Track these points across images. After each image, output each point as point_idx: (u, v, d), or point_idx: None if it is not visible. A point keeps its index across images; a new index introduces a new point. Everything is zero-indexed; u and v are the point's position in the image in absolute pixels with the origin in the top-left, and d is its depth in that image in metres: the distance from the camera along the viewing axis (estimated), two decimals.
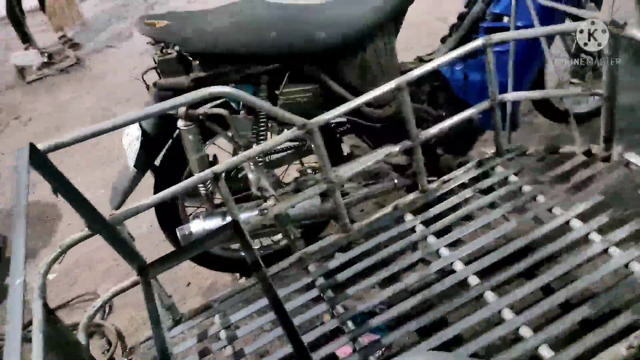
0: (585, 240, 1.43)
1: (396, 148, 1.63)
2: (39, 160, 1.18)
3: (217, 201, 1.85)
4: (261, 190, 1.65)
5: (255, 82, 1.69)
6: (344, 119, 1.93)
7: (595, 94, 1.52)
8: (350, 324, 1.41)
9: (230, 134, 1.69)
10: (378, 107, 1.91)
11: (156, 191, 1.49)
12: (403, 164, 1.94)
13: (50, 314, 1.22)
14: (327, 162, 1.53)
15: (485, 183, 1.69)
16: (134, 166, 1.73)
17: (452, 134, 1.86)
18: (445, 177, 1.75)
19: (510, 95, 1.68)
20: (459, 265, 1.46)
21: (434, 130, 1.62)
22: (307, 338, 1.41)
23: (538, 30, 1.64)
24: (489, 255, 1.46)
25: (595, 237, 1.41)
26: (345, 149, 2.08)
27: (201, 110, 1.56)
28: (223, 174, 1.45)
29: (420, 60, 2.03)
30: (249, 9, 1.68)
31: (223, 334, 1.49)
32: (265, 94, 1.71)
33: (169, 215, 1.89)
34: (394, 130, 1.79)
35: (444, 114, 1.99)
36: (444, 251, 1.51)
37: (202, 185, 1.74)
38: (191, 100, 1.31)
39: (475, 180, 1.73)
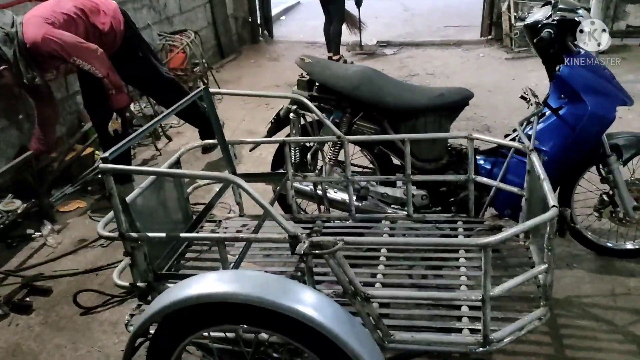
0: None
1: (392, 178, 2.60)
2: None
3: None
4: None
5: (343, 111, 2.81)
6: None
7: None
8: None
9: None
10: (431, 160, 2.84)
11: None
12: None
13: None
14: (348, 165, 2.55)
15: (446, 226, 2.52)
16: (267, 132, 3.02)
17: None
18: (431, 215, 2.61)
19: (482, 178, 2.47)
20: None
21: (420, 177, 2.53)
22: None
23: None
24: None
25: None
26: None
27: (301, 111, 2.75)
28: (288, 145, 2.62)
29: None
30: (358, 69, 2.82)
31: None
32: (346, 119, 2.81)
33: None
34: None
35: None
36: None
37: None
38: (280, 96, 2.53)
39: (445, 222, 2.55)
